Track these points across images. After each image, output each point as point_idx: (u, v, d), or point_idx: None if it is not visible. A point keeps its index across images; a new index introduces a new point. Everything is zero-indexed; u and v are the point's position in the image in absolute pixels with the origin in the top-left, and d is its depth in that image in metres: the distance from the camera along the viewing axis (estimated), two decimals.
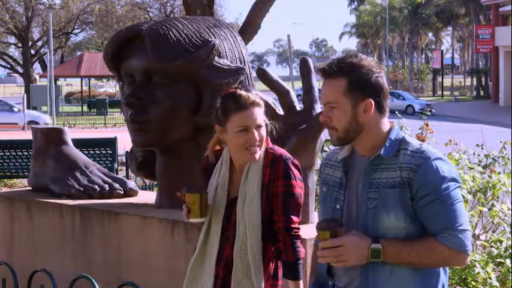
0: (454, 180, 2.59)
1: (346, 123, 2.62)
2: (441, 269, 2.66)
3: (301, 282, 3.05)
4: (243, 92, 3.07)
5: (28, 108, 36.82)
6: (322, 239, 2.59)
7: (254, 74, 4.77)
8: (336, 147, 2.81)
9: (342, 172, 2.72)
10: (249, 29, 10.14)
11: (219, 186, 3.17)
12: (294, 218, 3.06)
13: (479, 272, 5.17)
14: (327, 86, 2.64)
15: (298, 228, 3.08)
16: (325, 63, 2.68)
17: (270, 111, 3.29)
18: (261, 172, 3.08)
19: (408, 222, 2.58)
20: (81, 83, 54.25)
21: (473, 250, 6.10)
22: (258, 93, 3.20)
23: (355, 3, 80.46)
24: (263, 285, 3.06)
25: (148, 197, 5.52)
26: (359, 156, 2.69)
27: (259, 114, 3.07)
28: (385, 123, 2.68)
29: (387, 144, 2.63)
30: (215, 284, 3.12)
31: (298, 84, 8.68)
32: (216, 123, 3.13)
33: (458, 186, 2.60)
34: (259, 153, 3.08)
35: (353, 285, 2.65)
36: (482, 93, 59.61)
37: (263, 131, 3.09)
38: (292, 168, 3.08)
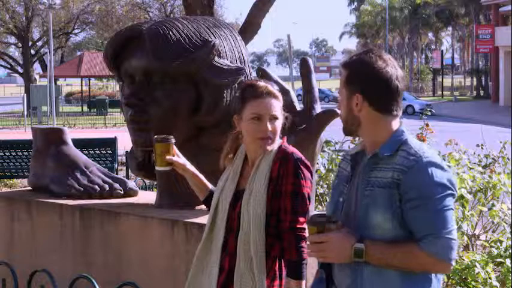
0: (444, 186, 2.52)
1: (344, 113, 2.70)
2: (432, 274, 2.60)
3: (303, 282, 3.04)
4: (261, 83, 3.14)
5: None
6: (310, 234, 2.63)
7: (254, 74, 4.77)
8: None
9: (350, 167, 2.74)
10: (249, 29, 10.14)
11: (230, 176, 3.22)
12: (301, 219, 3.06)
13: (479, 272, 5.17)
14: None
15: (304, 229, 3.06)
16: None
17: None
18: (270, 167, 3.09)
19: (395, 224, 2.54)
20: (81, 83, 54.25)
21: (473, 250, 6.10)
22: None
23: (355, 3, 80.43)
24: (265, 280, 3.05)
25: (148, 197, 5.52)
26: (366, 153, 2.70)
27: (275, 106, 3.10)
28: (391, 123, 2.65)
29: (386, 143, 2.62)
30: (220, 275, 3.12)
31: (298, 84, 8.67)
32: (234, 113, 3.17)
33: (450, 194, 2.52)
34: (272, 146, 3.11)
35: (345, 284, 2.64)
36: (482, 93, 59.61)
37: (277, 123, 3.11)
38: (302, 167, 3.09)
